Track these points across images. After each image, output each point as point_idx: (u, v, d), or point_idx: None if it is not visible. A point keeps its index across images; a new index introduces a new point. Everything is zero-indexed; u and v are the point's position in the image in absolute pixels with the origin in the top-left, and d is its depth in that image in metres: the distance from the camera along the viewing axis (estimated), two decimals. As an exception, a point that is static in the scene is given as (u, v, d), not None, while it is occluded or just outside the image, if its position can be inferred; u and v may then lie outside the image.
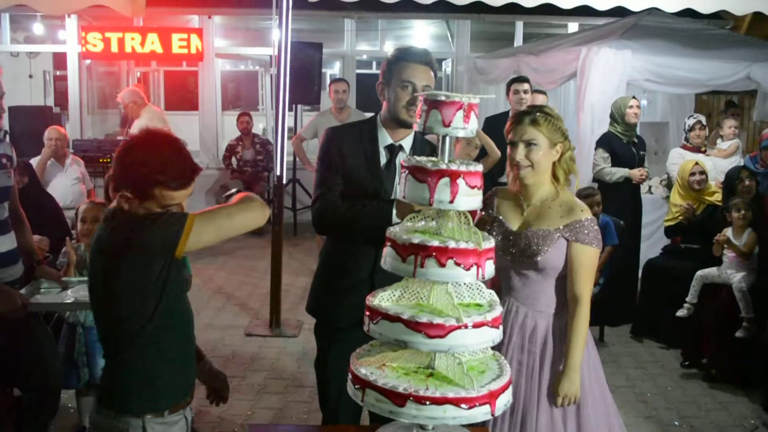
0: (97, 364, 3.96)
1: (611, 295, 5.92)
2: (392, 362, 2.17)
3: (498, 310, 2.14)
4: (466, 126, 2.07)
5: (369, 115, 5.76)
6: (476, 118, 2.10)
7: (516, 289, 2.90)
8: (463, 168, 2.05)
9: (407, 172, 2.10)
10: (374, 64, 14.64)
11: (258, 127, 11.68)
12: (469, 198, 2.06)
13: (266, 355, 5.54)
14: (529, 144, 2.80)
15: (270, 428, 3.01)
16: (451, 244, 2.01)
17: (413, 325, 2.01)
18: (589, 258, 2.81)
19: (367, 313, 2.13)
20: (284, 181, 8.67)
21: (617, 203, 6.06)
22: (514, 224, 2.91)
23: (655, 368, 5.54)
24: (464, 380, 2.05)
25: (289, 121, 9.71)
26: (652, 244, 7.04)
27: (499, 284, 2.96)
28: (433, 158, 2.13)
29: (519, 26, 11.03)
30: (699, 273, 5.50)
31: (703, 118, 7.06)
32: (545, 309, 2.89)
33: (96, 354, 3.97)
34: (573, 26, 10.72)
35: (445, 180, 2.03)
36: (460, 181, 2.03)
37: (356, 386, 2.10)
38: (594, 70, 6.90)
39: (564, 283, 2.86)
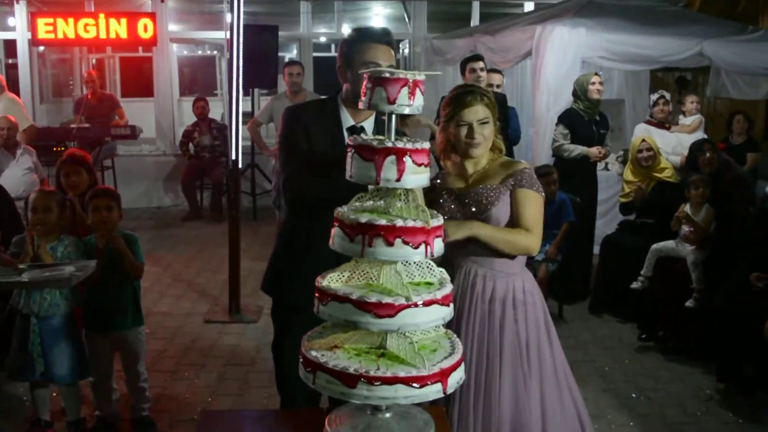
0: (53, 355, 3.90)
1: (569, 272, 5.98)
2: (344, 344, 2.16)
3: (448, 288, 2.13)
4: (411, 103, 2.05)
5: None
6: (422, 95, 2.07)
7: (472, 252, 2.95)
8: (409, 146, 2.02)
9: (353, 151, 2.07)
10: (332, 47, 14.54)
11: (216, 112, 11.56)
12: (416, 176, 2.04)
13: (226, 342, 5.50)
14: (482, 123, 2.90)
15: (222, 414, 2.98)
16: (399, 223, 1.99)
17: (362, 306, 1.99)
18: (532, 199, 2.92)
19: (317, 294, 2.11)
20: (242, 167, 8.61)
21: (573, 180, 6.10)
22: (459, 188, 3.00)
23: (612, 342, 5.61)
24: (415, 359, 2.03)
25: (246, 106, 9.62)
26: (608, 221, 7.12)
27: (455, 254, 2.97)
28: (380, 137, 2.11)
29: (476, 6, 11.02)
30: (654, 246, 5.57)
31: (667, 94, 7.13)
32: (503, 268, 2.96)
33: (51, 345, 3.90)
34: (529, 5, 10.74)
35: (392, 158, 2.00)
36: (407, 159, 2.01)
37: (307, 369, 2.08)
38: (549, 49, 6.91)
39: None
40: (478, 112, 2.89)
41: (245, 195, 9.58)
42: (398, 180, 2.02)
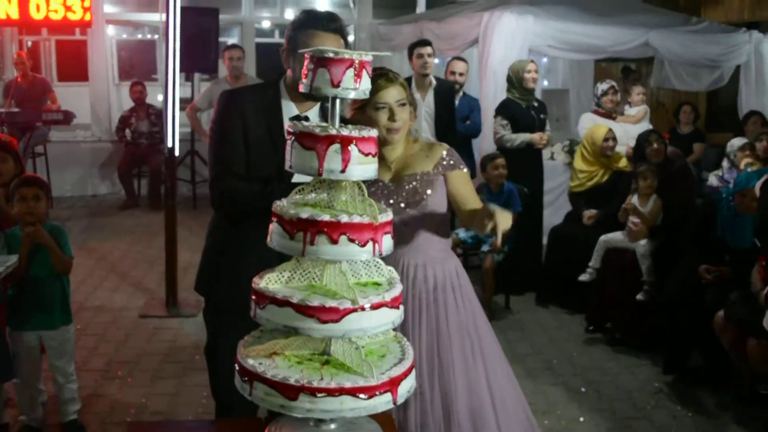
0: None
1: (516, 263, 5.89)
2: (284, 350, 1.97)
3: (398, 289, 1.97)
4: (357, 86, 1.86)
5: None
6: (368, 78, 1.90)
7: (407, 243, 2.88)
8: (355, 133, 1.85)
9: (293, 138, 1.88)
10: (276, 32, 14.23)
11: (156, 97, 11.18)
12: (363, 167, 1.86)
13: (162, 338, 5.25)
14: (401, 104, 2.79)
15: (152, 426, 2.77)
16: (344, 219, 1.81)
17: (304, 310, 1.81)
18: (467, 179, 2.95)
19: (254, 296, 1.92)
20: (182, 154, 8.32)
21: (519, 170, 5.98)
22: (387, 178, 2.89)
23: (560, 334, 5.53)
24: (362, 367, 1.86)
25: (186, 92, 9.31)
26: (555, 211, 7.04)
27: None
28: (323, 123, 1.92)
29: (422, -8, 10.86)
30: (603, 238, 5.50)
31: (615, 84, 7.09)
32: (436, 254, 2.93)
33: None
34: (477, -8, 10.61)
35: (336, 147, 1.82)
36: (353, 148, 1.83)
37: (244, 379, 1.89)
38: (496, 36, 6.81)
39: (444, 226, 2.95)
40: (395, 94, 2.76)
41: (185, 183, 9.29)
42: (343, 171, 1.84)
